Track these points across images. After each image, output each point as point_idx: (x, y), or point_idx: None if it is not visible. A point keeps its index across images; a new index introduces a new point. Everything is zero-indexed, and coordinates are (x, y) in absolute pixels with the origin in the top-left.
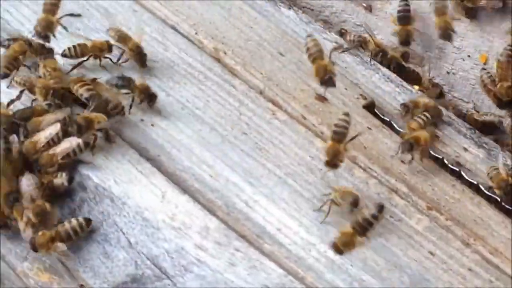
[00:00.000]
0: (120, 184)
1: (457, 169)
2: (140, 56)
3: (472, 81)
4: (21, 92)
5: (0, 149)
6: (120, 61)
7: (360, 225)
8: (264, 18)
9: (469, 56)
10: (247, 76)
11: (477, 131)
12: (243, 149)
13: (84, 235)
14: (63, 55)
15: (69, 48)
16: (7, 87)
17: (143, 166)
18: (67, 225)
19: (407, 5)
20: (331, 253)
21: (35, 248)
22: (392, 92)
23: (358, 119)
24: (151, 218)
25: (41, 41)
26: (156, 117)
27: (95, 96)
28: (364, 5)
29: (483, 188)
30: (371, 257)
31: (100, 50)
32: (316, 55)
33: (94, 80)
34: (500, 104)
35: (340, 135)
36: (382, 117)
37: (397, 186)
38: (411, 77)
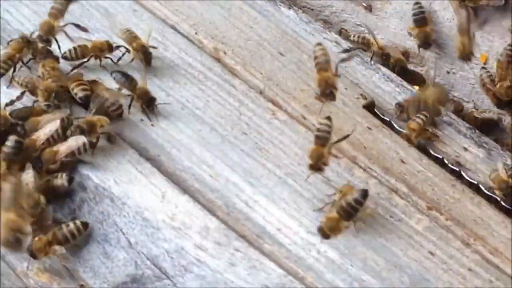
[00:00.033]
0: (120, 184)
1: (457, 169)
2: (146, 55)
3: (472, 80)
4: (22, 93)
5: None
6: (126, 61)
7: (344, 210)
8: (264, 18)
9: None
10: (247, 76)
11: (477, 131)
12: (243, 149)
13: (81, 238)
14: (64, 57)
15: (69, 50)
16: (7, 87)
17: (143, 166)
18: (64, 228)
19: (421, 7)
20: (331, 253)
21: (33, 255)
22: (392, 92)
23: (358, 119)
24: (151, 218)
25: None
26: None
27: (89, 96)
28: (364, 5)
29: (483, 188)
30: (371, 257)
31: (100, 50)
32: (322, 65)
33: (94, 80)
34: (500, 104)
35: (322, 139)
36: (382, 117)
37: (397, 186)
38: (415, 80)
